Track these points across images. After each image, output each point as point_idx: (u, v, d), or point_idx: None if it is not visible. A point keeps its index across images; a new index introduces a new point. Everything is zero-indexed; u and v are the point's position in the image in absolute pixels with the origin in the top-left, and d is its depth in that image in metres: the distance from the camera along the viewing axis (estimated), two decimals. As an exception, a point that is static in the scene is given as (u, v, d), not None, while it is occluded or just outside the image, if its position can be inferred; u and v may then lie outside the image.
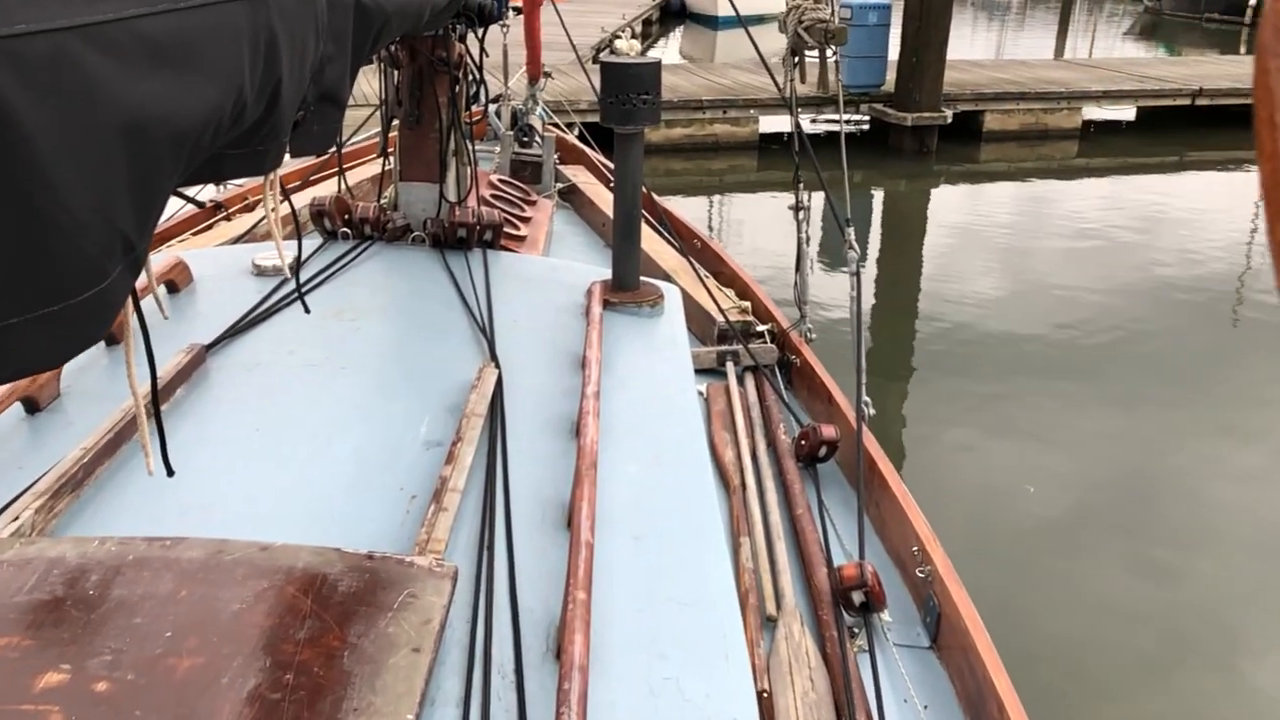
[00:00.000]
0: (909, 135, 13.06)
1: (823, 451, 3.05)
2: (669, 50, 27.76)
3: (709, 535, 1.77)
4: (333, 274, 2.83)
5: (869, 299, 8.71)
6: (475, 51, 3.26)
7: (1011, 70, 15.76)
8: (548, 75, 6.56)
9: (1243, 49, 26.34)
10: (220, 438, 1.97)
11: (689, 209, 11.38)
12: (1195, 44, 30.54)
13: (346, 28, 1.42)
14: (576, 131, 7.03)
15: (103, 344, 2.35)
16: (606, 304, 2.73)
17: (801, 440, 3.07)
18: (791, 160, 3.28)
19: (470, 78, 3.32)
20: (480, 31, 3.16)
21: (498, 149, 5.45)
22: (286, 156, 1.37)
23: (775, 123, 13.59)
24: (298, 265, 1.90)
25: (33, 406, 2.04)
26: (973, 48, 24.92)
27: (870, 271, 9.62)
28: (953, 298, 8.71)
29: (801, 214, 3.52)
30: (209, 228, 4.47)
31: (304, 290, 2.69)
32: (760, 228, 10.44)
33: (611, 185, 5.42)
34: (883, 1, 13.46)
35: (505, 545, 1.68)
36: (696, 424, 2.22)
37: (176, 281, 2.67)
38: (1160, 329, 8.07)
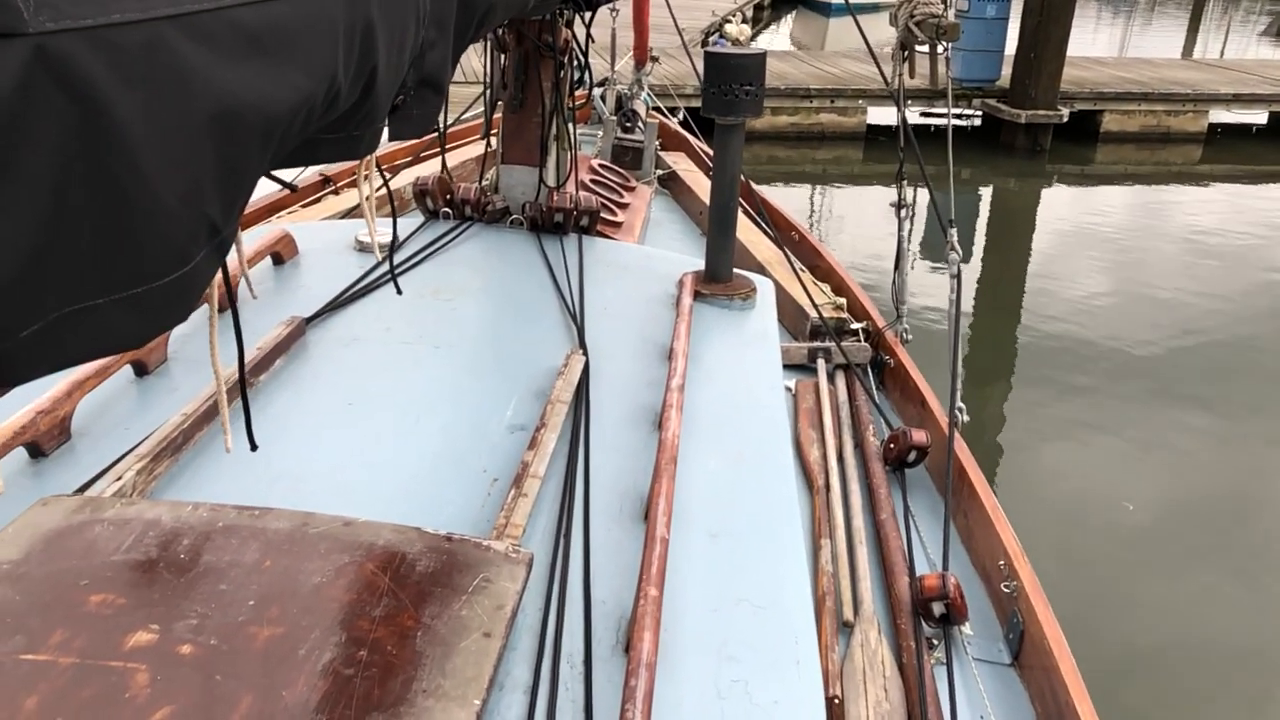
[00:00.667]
0: (1022, 133, 12.68)
1: (912, 456, 2.99)
2: (779, 36, 27.47)
3: (787, 537, 1.75)
4: (432, 253, 2.88)
5: (969, 299, 8.52)
6: (581, 36, 3.27)
7: (1135, 69, 15.16)
8: (655, 59, 6.55)
9: (1389, 54, 24.86)
10: (314, 409, 2.02)
11: (789, 199, 11.28)
12: (1339, 47, 28.99)
13: (449, 14, 1.41)
14: (680, 117, 7.00)
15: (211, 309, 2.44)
16: (698, 295, 2.72)
17: (890, 444, 3.02)
18: (897, 154, 3.21)
19: (575, 63, 3.33)
20: (587, 16, 3.17)
21: (601, 133, 5.46)
22: (385, 138, 1.39)
23: (883, 114, 13.34)
24: (391, 248, 1.93)
25: (141, 369, 2.12)
26: (1094, 45, 24.05)
27: (973, 270, 9.40)
28: (1057, 302, 8.46)
29: (904, 212, 3.45)
30: (317, 200, 4.59)
31: (401, 269, 2.74)
32: (862, 221, 10.27)
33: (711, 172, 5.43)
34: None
35: (582, 535, 1.68)
36: (782, 422, 2.19)
37: (282, 254, 2.75)
38: (1275, 346, 7.71)
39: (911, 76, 3.14)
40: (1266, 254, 9.88)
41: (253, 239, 2.78)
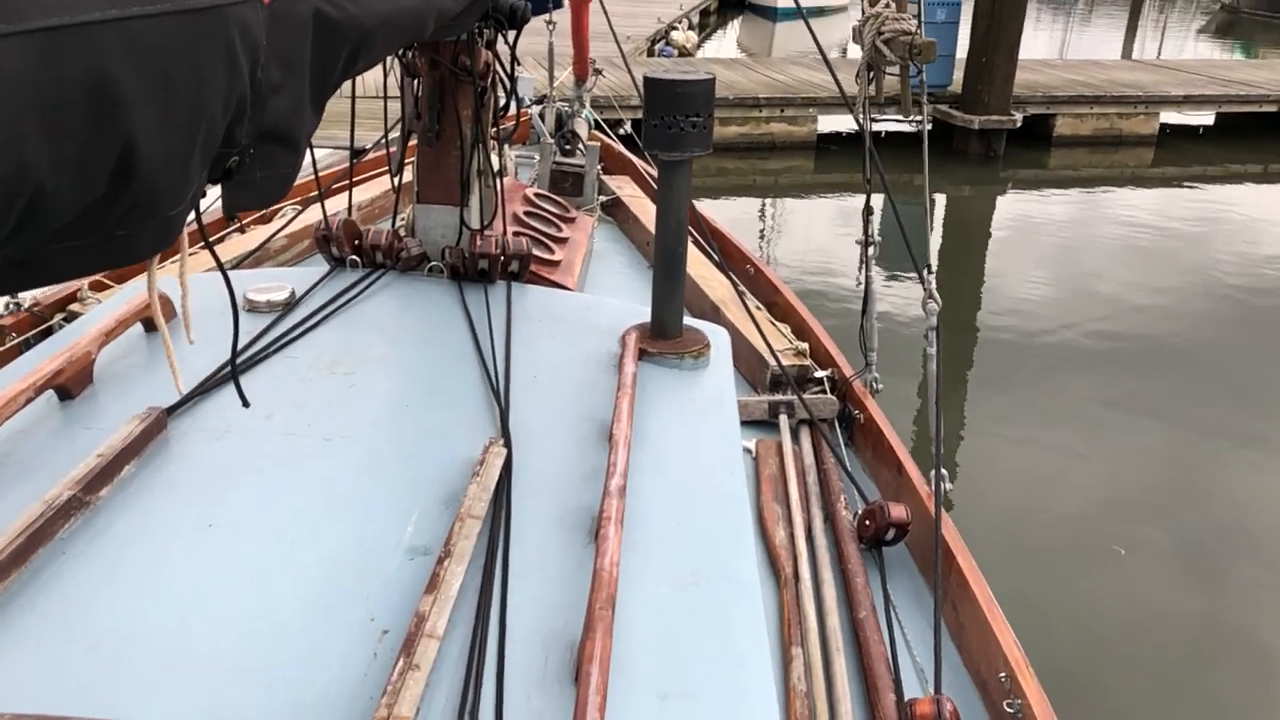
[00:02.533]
0: (975, 139, 12.47)
1: (890, 534, 2.62)
2: (726, 42, 27.27)
3: (757, 697, 1.37)
4: (333, 312, 2.46)
5: (899, 294, 8.18)
6: (506, 56, 2.86)
7: (1084, 71, 15.05)
8: (598, 72, 6.15)
9: (1327, 51, 25.24)
10: (163, 536, 1.60)
11: (739, 211, 10.95)
12: (1274, 44, 29.39)
13: (300, 48, 1.14)
14: (625, 130, 6.62)
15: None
16: (643, 354, 2.33)
17: (866, 520, 2.65)
18: (852, 164, 2.84)
19: (501, 87, 2.92)
20: (512, 36, 2.77)
21: (538, 156, 5.06)
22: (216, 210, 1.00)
23: (835, 122, 13.07)
24: (234, 353, 1.52)
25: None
26: (1035, 44, 24.05)
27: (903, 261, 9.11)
28: (1015, 312, 8.20)
29: (871, 250, 3.09)
30: (221, 240, 4.13)
31: (295, 334, 2.31)
32: (816, 236, 9.96)
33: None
34: (951, -2, 12.90)
35: (494, 712, 1.30)
36: (743, 518, 1.82)
37: (154, 319, 2.31)
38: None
39: (878, 100, 2.78)
40: (1235, 256, 9.72)
41: (121, 302, 2.35)
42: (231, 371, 1.50)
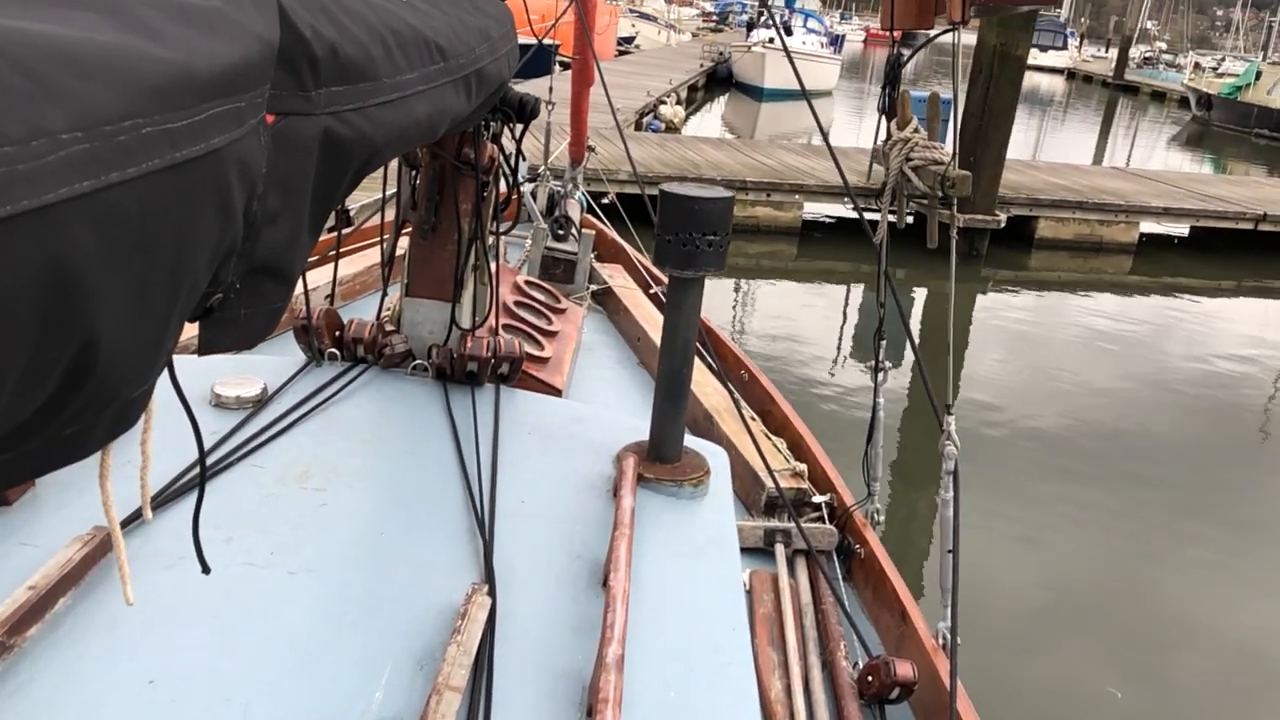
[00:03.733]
0: (959, 236, 12.50)
1: (895, 693, 2.43)
2: (711, 117, 27.56)
3: None
4: (307, 412, 2.25)
5: (895, 401, 8.09)
6: (510, 148, 2.71)
7: (1067, 175, 15.25)
8: (591, 150, 6.05)
9: (1295, 170, 25.92)
10: (97, 692, 1.38)
11: (722, 294, 10.86)
12: (1243, 158, 30.15)
13: (304, 171, 1.01)
14: (607, 199, 6.49)
15: None
16: (640, 479, 2.15)
17: (869, 675, 2.45)
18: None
19: (505, 180, 2.77)
20: (518, 129, 2.63)
21: (529, 240, 4.90)
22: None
23: (820, 208, 13.10)
24: (199, 502, 1.32)
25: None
26: (1012, 144, 24.46)
27: (902, 377, 9.03)
28: (993, 413, 8.10)
29: (881, 376, 2.94)
30: (205, 314, 3.91)
31: (264, 439, 2.10)
32: (801, 325, 9.87)
33: (650, 290, 4.89)
34: (945, 96, 13.03)
35: None
36: (748, 686, 1.64)
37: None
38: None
39: (901, 227, 2.65)
40: (1220, 370, 9.73)
41: None
42: (193, 524, 1.29)
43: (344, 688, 1.45)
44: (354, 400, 2.36)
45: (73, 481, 1.87)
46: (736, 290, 11.15)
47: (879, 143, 2.70)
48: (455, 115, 1.67)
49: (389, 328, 2.61)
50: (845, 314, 10.82)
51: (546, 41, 4.66)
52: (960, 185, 2.31)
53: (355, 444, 2.17)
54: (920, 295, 11.82)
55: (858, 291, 11.35)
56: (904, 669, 2.41)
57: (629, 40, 37.95)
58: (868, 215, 2.83)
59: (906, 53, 2.57)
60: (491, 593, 1.68)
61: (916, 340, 2.64)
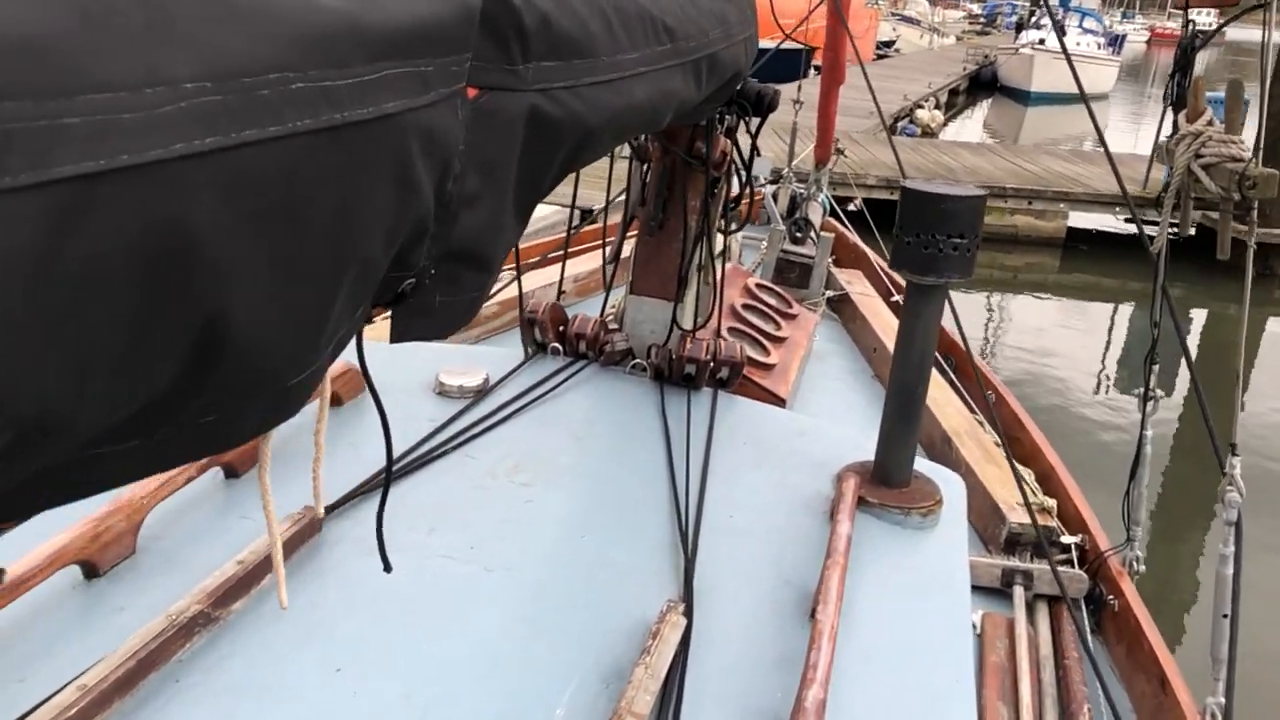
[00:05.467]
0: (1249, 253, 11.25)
1: None
2: (972, 123, 26.37)
3: None
4: (526, 405, 2.22)
5: (1165, 435, 7.30)
6: (746, 145, 2.58)
7: (1386, 188, 13.42)
8: (840, 152, 5.82)
9: None
10: (286, 675, 1.38)
11: (973, 307, 10.27)
12: None
13: (508, 152, 0.93)
14: (854, 205, 6.21)
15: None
16: (862, 502, 1.95)
17: (1116, 747, 2.14)
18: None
19: (737, 177, 2.64)
20: (755, 124, 2.49)
21: (765, 241, 4.74)
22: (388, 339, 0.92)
23: (1086, 219, 12.15)
24: (388, 474, 1.28)
25: (91, 572, 1.57)
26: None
27: (1173, 409, 8.17)
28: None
29: (1150, 406, 2.58)
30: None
31: (479, 429, 2.08)
32: (1057, 343, 9.16)
33: (891, 299, 4.61)
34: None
35: None
36: None
37: (340, 393, 2.13)
38: None
39: (1183, 236, 2.30)
40: None
41: None
42: (377, 521, 1.24)
43: (527, 698, 1.38)
44: (571, 396, 2.32)
45: (297, 458, 1.91)
46: (989, 303, 10.51)
47: (1163, 139, 2.35)
48: (683, 102, 1.56)
49: (612, 325, 2.56)
50: (1110, 336, 9.96)
51: (798, 44, 4.48)
52: (1264, 186, 1.95)
53: (568, 440, 2.12)
54: (1199, 318, 10.71)
55: (1125, 311, 10.43)
56: (1160, 746, 2.09)
57: (889, 44, 36.99)
58: (1146, 226, 2.49)
59: (1204, 35, 2.23)
60: (689, 613, 1.56)
61: (1241, 370, 2.28)
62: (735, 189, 2.66)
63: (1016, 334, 9.80)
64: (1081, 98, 2.49)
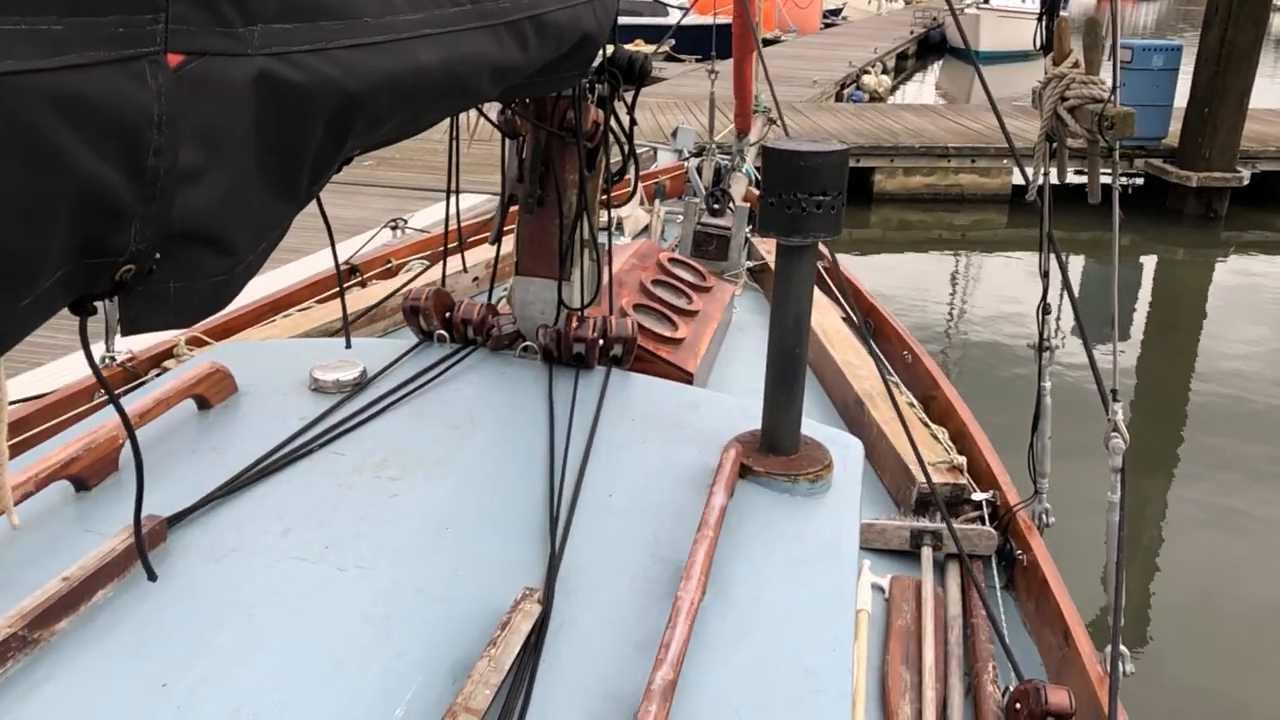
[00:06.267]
0: (1193, 197, 11.31)
1: None
2: (925, 87, 26.32)
3: None
4: (403, 396, 2.14)
5: (1122, 372, 7.33)
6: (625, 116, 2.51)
7: (1329, 122, 13.53)
8: (772, 121, 5.75)
9: None
10: (102, 695, 1.31)
11: (923, 266, 10.26)
12: None
13: (237, 122, 0.87)
14: None
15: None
16: (746, 472, 1.91)
17: (1015, 703, 2.10)
18: (1053, 218, 2.26)
19: (620, 149, 2.57)
20: (629, 94, 2.43)
21: (683, 215, 4.69)
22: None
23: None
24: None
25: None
26: (1272, 94, 21.93)
27: (1131, 350, 8.19)
28: (1232, 400, 7.20)
29: (1046, 356, 2.54)
30: (337, 294, 3.93)
31: (349, 425, 2.00)
32: (1004, 298, 9.15)
33: (820, 265, 4.56)
34: (1172, 43, 11.78)
35: None
36: (840, 711, 1.39)
37: (208, 396, 2.05)
38: None
39: (1061, 180, 2.25)
40: None
41: (173, 375, 2.11)
42: (135, 522, 1.17)
43: (367, 701, 1.32)
44: (454, 384, 2.25)
45: (155, 467, 1.84)
46: (935, 263, 10.50)
47: (1036, 84, 2.30)
48: (504, 67, 1.49)
49: (504, 308, 2.49)
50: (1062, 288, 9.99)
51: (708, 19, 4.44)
52: (1122, 125, 1.90)
53: (445, 430, 2.04)
54: (1149, 264, 10.77)
55: (1076, 263, 10.44)
56: (1058, 697, 2.04)
57: (836, 13, 36.91)
58: (1031, 170, 2.44)
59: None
60: (547, 599, 1.50)
61: (1117, 315, 2.24)
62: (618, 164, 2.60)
63: (960, 293, 9.81)
64: (969, 57, 2.43)
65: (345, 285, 4.06)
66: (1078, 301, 2.32)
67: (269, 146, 0.90)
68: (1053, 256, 2.45)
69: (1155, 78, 11.28)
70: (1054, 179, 2.31)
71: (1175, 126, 11.61)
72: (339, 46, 0.97)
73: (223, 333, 3.45)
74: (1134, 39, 13.29)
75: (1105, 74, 2.08)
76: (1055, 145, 2.25)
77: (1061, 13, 2.34)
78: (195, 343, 3.34)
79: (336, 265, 1.84)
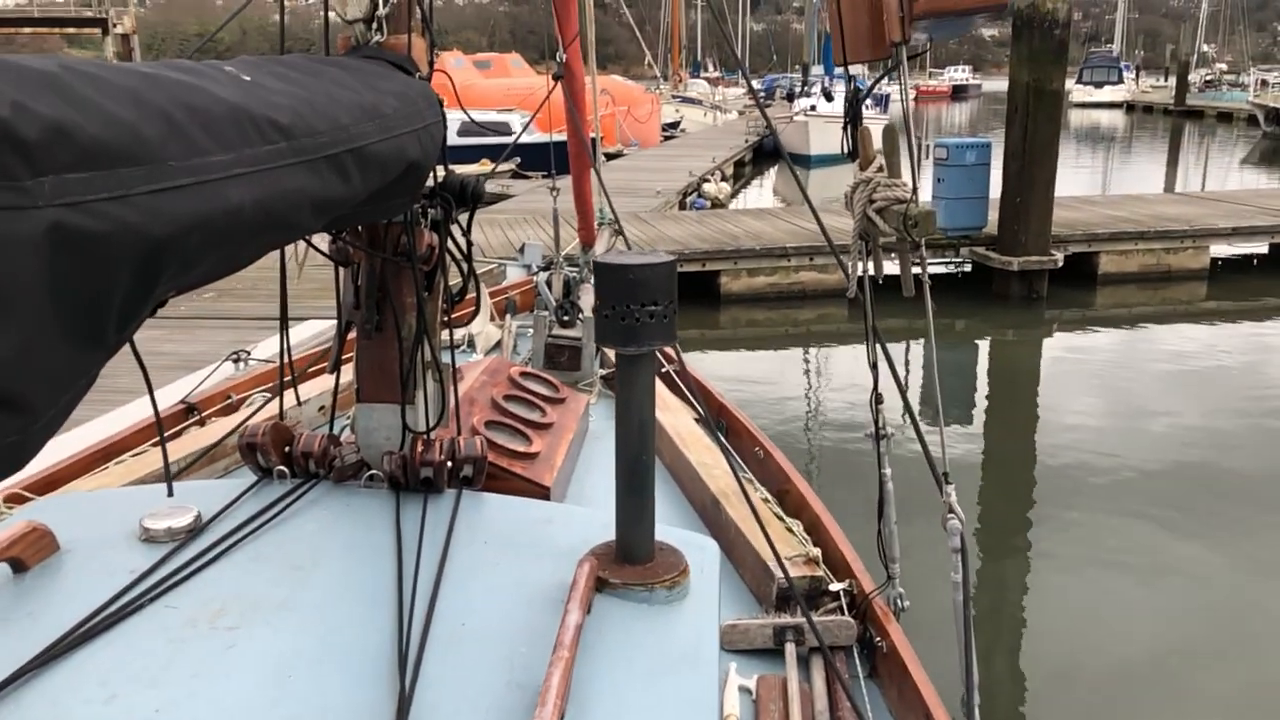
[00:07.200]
0: (1016, 280, 12.05)
1: None
2: (763, 191, 27.49)
3: None
4: (240, 539, 2.04)
5: (968, 452, 7.65)
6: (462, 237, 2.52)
7: (1126, 207, 14.70)
8: (618, 232, 5.87)
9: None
10: None
11: (771, 362, 10.56)
12: (1322, 169, 29.05)
13: (28, 273, 0.84)
14: None
15: None
16: (602, 586, 1.88)
17: (887, 795, 2.11)
18: (887, 309, 2.35)
19: (459, 270, 2.58)
20: (464, 217, 2.45)
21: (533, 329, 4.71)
22: None
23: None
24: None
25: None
26: (1076, 182, 23.79)
27: (974, 429, 8.55)
28: (1072, 467, 7.58)
29: (884, 444, 2.63)
30: (177, 435, 3.77)
31: (178, 578, 1.89)
32: (848, 388, 9.47)
33: (662, 370, 4.64)
34: (981, 140, 12.68)
35: None
36: None
37: (24, 558, 1.90)
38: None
39: (878, 275, 2.37)
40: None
41: None
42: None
43: None
44: (296, 522, 2.16)
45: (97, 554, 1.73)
46: (779, 360, 10.83)
47: (846, 189, 2.44)
48: (327, 200, 1.47)
49: (348, 437, 2.42)
50: (908, 379, 10.43)
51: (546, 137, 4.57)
52: (924, 224, 2.04)
53: (286, 571, 1.95)
54: (983, 348, 11.36)
55: (917, 349, 10.96)
56: (927, 789, 2.07)
57: (674, 125, 38.39)
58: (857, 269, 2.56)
59: (865, 86, 2.34)
60: None
61: (940, 401, 2.34)
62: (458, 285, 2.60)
63: (809, 388, 10.13)
64: (781, 156, 2.56)
65: (183, 425, 3.90)
66: (917, 388, 2.42)
67: (67, 297, 0.87)
68: (878, 348, 2.56)
69: (970, 172, 12.10)
70: (874, 273, 2.43)
71: (994, 216, 12.43)
72: (140, 193, 0.95)
73: (48, 485, 3.23)
74: (949, 137, 14.26)
75: (908, 175, 2.23)
76: (869, 244, 2.37)
77: (867, 121, 2.49)
78: (15, 499, 3.13)
79: (154, 407, 1.76)
